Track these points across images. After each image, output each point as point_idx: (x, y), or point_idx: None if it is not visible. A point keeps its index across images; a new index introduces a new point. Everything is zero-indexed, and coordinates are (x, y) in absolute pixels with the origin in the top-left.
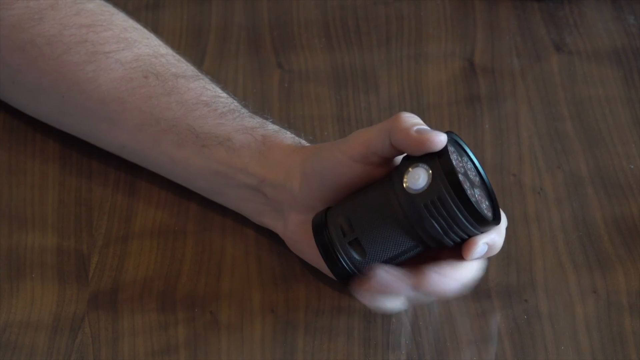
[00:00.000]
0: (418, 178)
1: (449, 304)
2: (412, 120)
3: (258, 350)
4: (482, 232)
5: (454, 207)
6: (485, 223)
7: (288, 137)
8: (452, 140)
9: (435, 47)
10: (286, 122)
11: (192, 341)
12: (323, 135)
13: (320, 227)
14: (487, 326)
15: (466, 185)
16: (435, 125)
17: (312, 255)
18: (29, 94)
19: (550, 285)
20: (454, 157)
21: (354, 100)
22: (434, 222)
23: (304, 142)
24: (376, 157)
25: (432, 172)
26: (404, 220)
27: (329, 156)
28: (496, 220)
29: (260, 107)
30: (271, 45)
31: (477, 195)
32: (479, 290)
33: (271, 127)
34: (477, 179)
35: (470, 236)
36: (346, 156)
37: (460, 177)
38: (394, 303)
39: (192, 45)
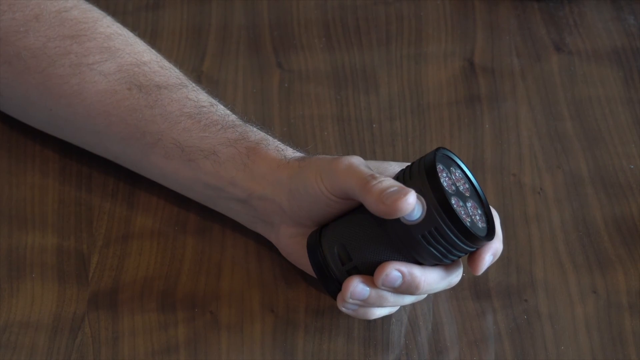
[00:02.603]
0: (412, 210)
1: (449, 304)
2: (379, 187)
3: (258, 350)
4: (479, 248)
5: (451, 235)
6: (481, 241)
7: (271, 148)
8: (441, 156)
9: (435, 47)
10: (286, 122)
11: (192, 341)
12: (323, 135)
13: (316, 255)
14: (487, 326)
15: (460, 205)
16: (435, 125)
17: (308, 266)
18: (18, 107)
19: (550, 285)
20: (443, 176)
21: (354, 100)
22: (432, 249)
23: (288, 153)
24: (358, 199)
25: (425, 202)
26: (402, 248)
27: (313, 186)
28: (490, 234)
29: (260, 107)
30: (271, 45)
31: (469, 209)
32: (479, 290)
33: (254, 138)
34: (468, 186)
35: (467, 253)
36: (328, 192)
37: (453, 200)
38: (382, 311)
39: (192, 45)
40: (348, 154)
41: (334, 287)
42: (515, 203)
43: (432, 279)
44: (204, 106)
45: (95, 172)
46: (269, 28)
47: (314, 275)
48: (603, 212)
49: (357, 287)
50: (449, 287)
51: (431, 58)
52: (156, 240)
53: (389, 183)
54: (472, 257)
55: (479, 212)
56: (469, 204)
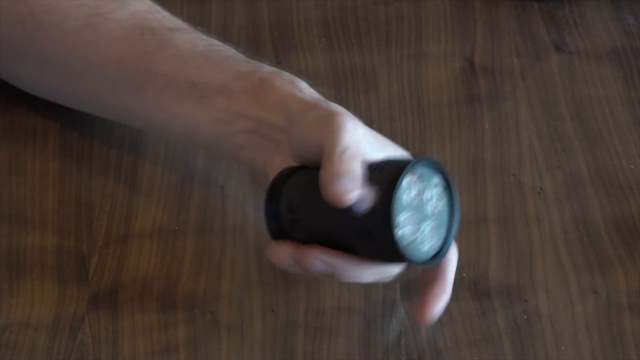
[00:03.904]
0: (363, 202)
1: (449, 304)
2: (344, 167)
3: (258, 350)
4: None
5: (381, 242)
6: (410, 260)
7: (286, 79)
8: (427, 166)
9: (435, 47)
10: None
11: (192, 341)
12: None
13: (274, 194)
14: (487, 326)
15: (410, 221)
16: (435, 125)
17: None
18: (34, 69)
19: (550, 285)
20: (413, 188)
21: (354, 100)
22: (368, 245)
23: (301, 84)
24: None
25: (373, 201)
26: (341, 226)
27: (308, 137)
28: (432, 258)
29: None
30: (271, 45)
31: (423, 228)
32: (478, 290)
33: (267, 69)
34: (441, 208)
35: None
36: (320, 143)
37: (406, 214)
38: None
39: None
40: None
41: (275, 227)
42: (515, 203)
43: (355, 272)
44: (216, 45)
45: (96, 172)
46: (269, 28)
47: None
48: (603, 212)
49: (285, 255)
50: (382, 281)
51: (431, 58)
52: (156, 240)
53: (349, 167)
54: (415, 306)
55: (435, 237)
56: (426, 223)
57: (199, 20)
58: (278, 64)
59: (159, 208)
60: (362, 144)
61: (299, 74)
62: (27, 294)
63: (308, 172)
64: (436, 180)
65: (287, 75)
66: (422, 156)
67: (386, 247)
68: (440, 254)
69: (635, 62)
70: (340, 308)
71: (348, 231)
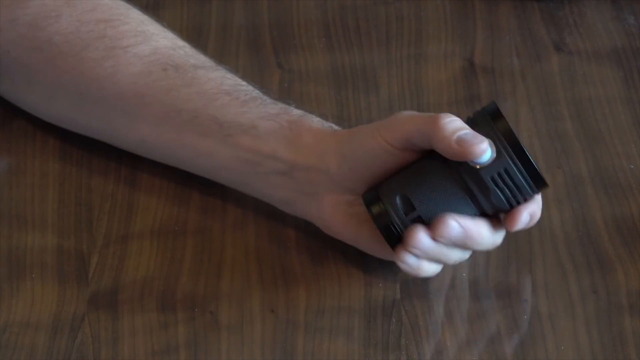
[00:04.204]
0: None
1: (449, 304)
2: (452, 127)
3: (258, 350)
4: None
5: (519, 176)
6: (545, 186)
7: (315, 121)
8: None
9: (435, 47)
10: None
11: (192, 341)
12: None
13: (376, 206)
14: (487, 326)
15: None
16: None
17: (350, 234)
18: (45, 95)
19: (550, 285)
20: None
21: (354, 100)
22: (499, 193)
23: (333, 125)
24: (418, 147)
25: (496, 143)
26: (469, 193)
27: (370, 141)
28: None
29: None
30: (271, 45)
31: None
32: (479, 290)
33: (295, 112)
34: None
35: (528, 199)
36: (388, 143)
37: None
38: (431, 268)
39: (192, 45)
40: None
41: (396, 237)
42: None
43: (484, 233)
44: (242, 84)
45: (96, 172)
46: (269, 28)
47: (355, 245)
48: (603, 212)
49: (421, 236)
50: (493, 247)
51: (431, 58)
52: (156, 240)
53: (460, 124)
54: (511, 213)
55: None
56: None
57: (199, 20)
58: (278, 64)
59: (158, 208)
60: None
61: (300, 73)
62: (27, 294)
63: (397, 178)
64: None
65: (316, 117)
66: (490, 102)
67: (522, 179)
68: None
69: (635, 62)
70: (340, 308)
71: (478, 190)
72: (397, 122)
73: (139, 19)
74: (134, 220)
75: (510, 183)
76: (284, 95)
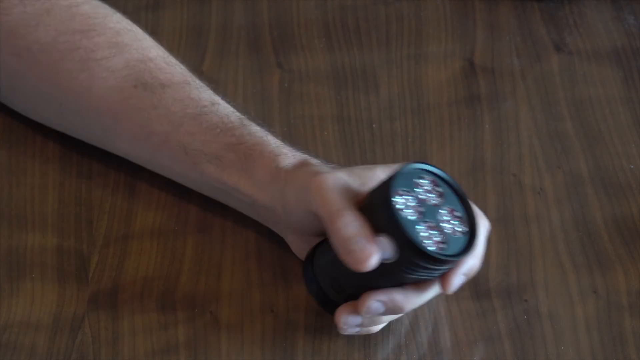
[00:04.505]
0: (385, 251)
1: (449, 304)
2: (344, 234)
3: (258, 350)
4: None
5: (428, 266)
6: (459, 256)
7: (266, 153)
8: (403, 177)
9: (435, 47)
10: (286, 123)
11: (192, 341)
12: (323, 136)
13: (313, 286)
14: (487, 326)
15: (430, 226)
16: (435, 126)
17: None
18: (28, 100)
19: (550, 285)
20: (405, 200)
21: (354, 100)
22: (412, 276)
23: (281, 159)
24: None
25: (396, 244)
26: (387, 275)
27: (296, 204)
28: (471, 240)
29: (260, 107)
30: (271, 45)
31: (444, 218)
32: (479, 290)
33: (251, 141)
34: (441, 189)
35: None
36: (309, 212)
37: (422, 225)
38: (381, 325)
39: (192, 45)
40: (348, 154)
41: (335, 308)
42: (515, 203)
43: (414, 299)
44: (205, 106)
45: (96, 172)
46: (269, 28)
47: None
48: (603, 212)
49: (347, 318)
50: (430, 300)
51: (431, 58)
52: (156, 240)
53: (354, 230)
54: (444, 277)
55: (458, 214)
56: (443, 211)
57: (199, 20)
58: (278, 64)
59: (158, 208)
60: (357, 174)
61: (300, 73)
62: (27, 294)
63: (326, 255)
64: (422, 175)
65: (268, 146)
66: (388, 178)
67: (428, 266)
68: (473, 232)
69: (635, 62)
70: None
71: (388, 276)
72: (310, 195)
73: (114, 29)
74: (134, 220)
75: (420, 270)
76: (284, 95)
